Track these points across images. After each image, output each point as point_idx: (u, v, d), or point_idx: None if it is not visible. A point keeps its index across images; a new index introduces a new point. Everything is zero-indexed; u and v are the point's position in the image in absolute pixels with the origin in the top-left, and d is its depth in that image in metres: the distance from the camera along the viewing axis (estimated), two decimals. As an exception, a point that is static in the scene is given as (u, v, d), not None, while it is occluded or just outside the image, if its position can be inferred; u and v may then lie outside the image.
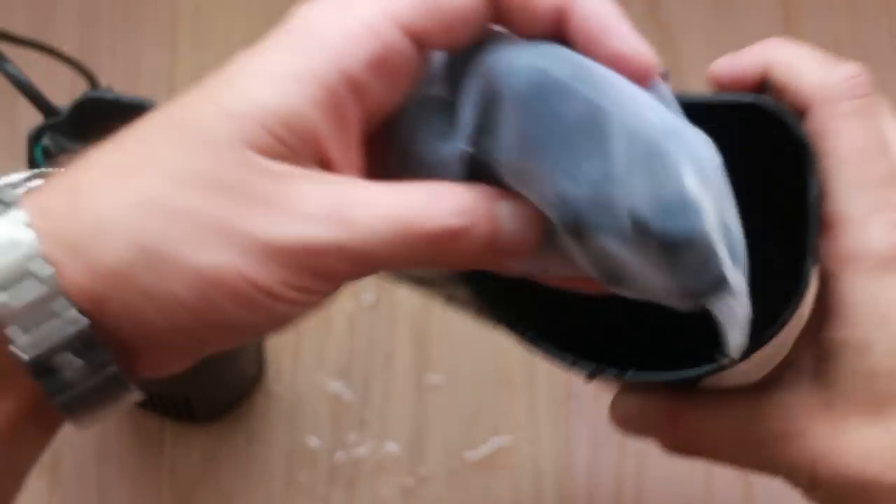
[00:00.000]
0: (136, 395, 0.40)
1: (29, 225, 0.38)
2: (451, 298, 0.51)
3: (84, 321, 0.38)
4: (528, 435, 0.74)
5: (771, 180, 0.46)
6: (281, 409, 0.75)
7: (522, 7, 0.41)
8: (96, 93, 0.65)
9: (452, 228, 0.40)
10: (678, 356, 0.44)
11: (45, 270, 0.38)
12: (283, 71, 0.39)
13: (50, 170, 0.42)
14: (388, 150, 0.43)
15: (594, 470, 0.73)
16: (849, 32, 0.83)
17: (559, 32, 0.41)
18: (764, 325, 0.43)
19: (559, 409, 0.74)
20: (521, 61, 0.40)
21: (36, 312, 0.38)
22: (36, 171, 0.41)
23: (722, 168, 0.40)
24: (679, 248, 0.39)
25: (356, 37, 0.40)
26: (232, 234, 0.38)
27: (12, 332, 0.38)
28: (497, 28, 0.42)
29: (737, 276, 0.40)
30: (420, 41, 0.40)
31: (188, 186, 0.38)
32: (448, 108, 0.42)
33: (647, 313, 0.45)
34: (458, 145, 0.42)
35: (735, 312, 0.40)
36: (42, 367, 0.38)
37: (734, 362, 0.41)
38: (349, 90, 0.40)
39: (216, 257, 0.38)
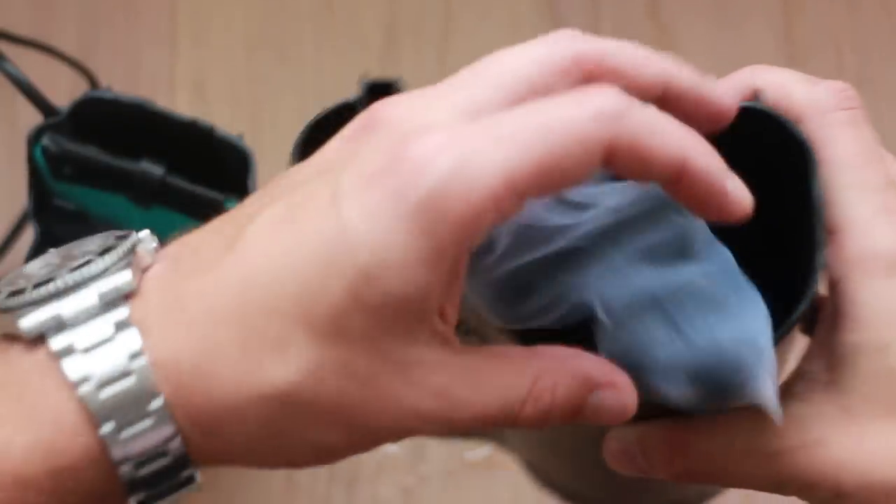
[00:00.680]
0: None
1: (151, 371, 0.39)
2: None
3: (192, 471, 0.40)
4: (528, 435, 0.74)
5: (767, 187, 0.46)
6: (281, 409, 0.75)
7: (639, 172, 0.40)
8: (96, 93, 0.65)
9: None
10: None
11: (167, 430, 0.39)
12: (410, 257, 0.38)
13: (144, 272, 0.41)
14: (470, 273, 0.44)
15: (594, 470, 0.73)
16: (848, 33, 0.84)
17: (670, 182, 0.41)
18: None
19: (559, 409, 0.74)
20: (618, 301, 0.42)
21: (147, 453, 0.39)
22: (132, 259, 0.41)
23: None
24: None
25: (480, 214, 0.38)
26: (352, 422, 0.40)
27: (115, 451, 0.39)
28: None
29: (771, 386, 0.42)
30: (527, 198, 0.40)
31: (319, 378, 0.39)
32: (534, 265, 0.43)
33: None
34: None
35: (768, 390, 0.41)
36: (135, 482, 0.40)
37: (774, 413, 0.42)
38: (466, 253, 0.40)
39: (332, 438, 0.40)
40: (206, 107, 0.82)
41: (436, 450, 0.74)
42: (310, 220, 0.38)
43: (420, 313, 0.39)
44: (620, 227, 0.43)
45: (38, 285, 0.39)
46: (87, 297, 0.39)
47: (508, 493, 0.73)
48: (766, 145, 0.45)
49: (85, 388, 0.38)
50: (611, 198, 0.43)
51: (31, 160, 0.64)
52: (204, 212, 0.63)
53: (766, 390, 0.41)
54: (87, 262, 0.40)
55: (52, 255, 0.42)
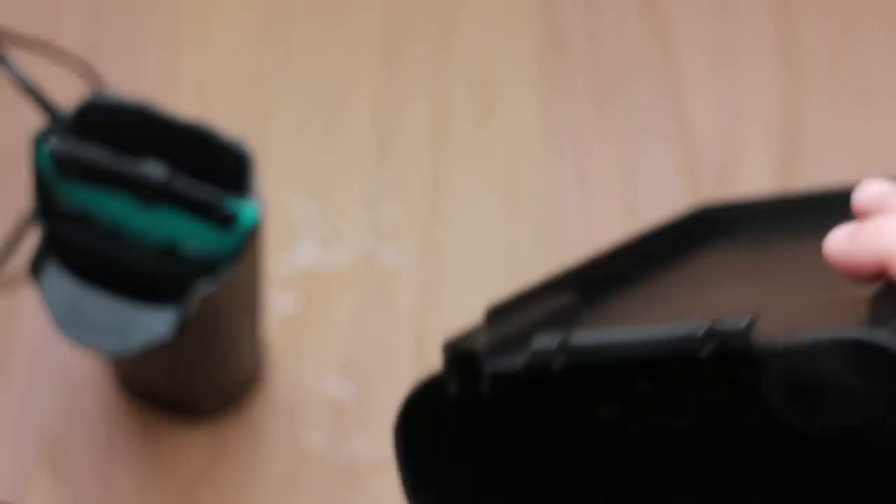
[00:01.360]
0: None
1: None
2: None
3: None
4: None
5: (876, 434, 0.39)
6: (282, 407, 0.75)
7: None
8: (101, 95, 0.65)
9: None
10: None
11: None
12: None
13: None
14: None
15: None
16: (846, 37, 0.84)
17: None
18: None
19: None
20: None
21: None
22: None
23: None
24: None
25: None
26: None
27: None
28: None
29: None
30: None
31: None
32: None
33: None
34: None
35: None
36: None
37: None
38: None
39: None
40: (208, 107, 0.82)
41: (436, 448, 0.74)
42: None
43: None
44: None
45: None
46: None
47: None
48: (874, 378, 0.38)
49: None
50: None
51: (35, 162, 0.65)
52: (205, 213, 0.64)
53: None
54: None
55: None
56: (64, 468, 0.73)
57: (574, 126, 0.82)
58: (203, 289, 0.64)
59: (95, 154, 0.64)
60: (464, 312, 0.77)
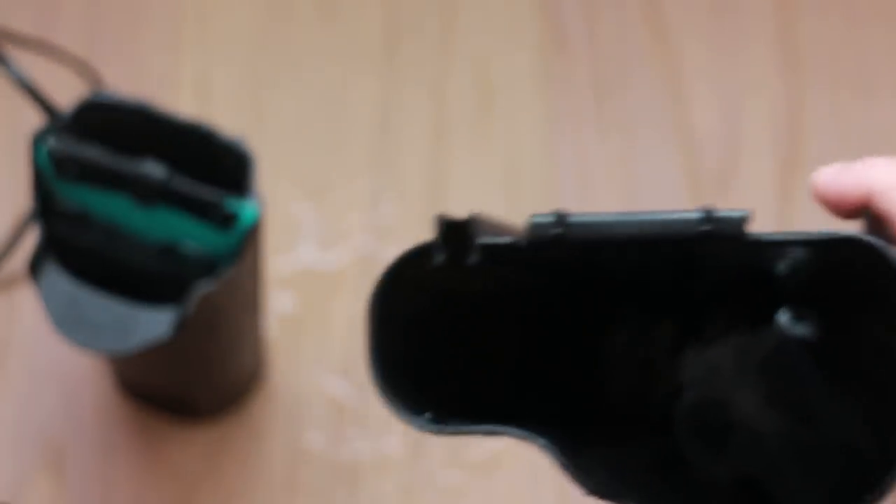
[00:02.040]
0: None
1: None
2: None
3: None
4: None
5: (856, 314, 0.43)
6: (282, 407, 0.75)
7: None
8: (100, 95, 0.65)
9: None
10: None
11: None
12: None
13: None
14: None
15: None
16: (845, 35, 0.84)
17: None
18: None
19: (558, 407, 0.75)
20: None
21: None
22: None
23: None
24: None
25: None
26: None
27: None
28: None
29: None
30: None
31: None
32: None
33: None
34: None
35: None
36: None
37: None
38: None
39: None
40: (208, 107, 0.82)
41: (436, 450, 0.74)
42: None
43: None
44: None
45: None
46: None
47: (508, 493, 0.74)
48: (864, 280, 0.42)
49: None
50: None
51: (34, 161, 0.65)
52: (205, 212, 0.64)
53: None
54: None
55: None
56: (63, 469, 0.73)
57: (574, 124, 0.82)
58: (203, 288, 0.64)
59: (94, 154, 0.64)
60: (464, 312, 0.77)
